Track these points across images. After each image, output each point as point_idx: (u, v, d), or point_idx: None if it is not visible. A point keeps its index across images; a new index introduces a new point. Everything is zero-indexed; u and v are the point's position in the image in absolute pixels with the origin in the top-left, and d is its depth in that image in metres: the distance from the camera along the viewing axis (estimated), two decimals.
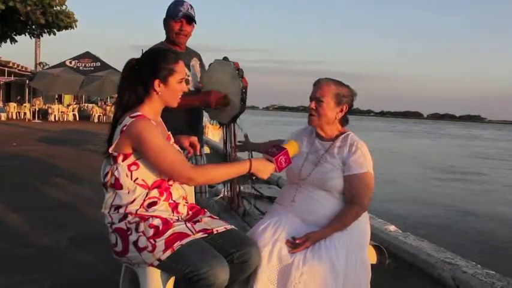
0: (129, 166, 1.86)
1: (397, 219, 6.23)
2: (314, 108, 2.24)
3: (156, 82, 1.92)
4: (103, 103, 28.59)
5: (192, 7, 2.78)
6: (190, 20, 2.77)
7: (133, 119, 1.83)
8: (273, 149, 2.00)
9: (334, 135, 2.29)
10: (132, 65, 1.96)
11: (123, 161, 1.85)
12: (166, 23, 2.80)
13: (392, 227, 4.01)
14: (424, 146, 29.96)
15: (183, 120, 2.68)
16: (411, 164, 17.10)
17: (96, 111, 24.73)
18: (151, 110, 1.96)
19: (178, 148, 2.10)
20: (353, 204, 2.14)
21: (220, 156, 9.24)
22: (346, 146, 2.22)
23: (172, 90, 1.96)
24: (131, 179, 1.86)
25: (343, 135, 2.27)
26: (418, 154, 21.89)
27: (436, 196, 10.28)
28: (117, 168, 1.86)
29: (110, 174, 1.89)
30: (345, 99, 2.24)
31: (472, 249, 5.94)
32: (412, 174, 14.15)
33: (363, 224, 2.21)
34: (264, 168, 1.95)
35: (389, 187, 10.62)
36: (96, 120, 23.96)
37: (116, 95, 1.99)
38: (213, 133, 13.50)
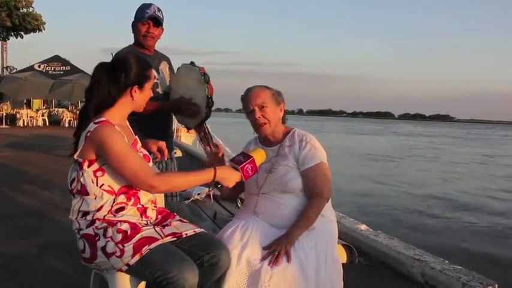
0: (94, 172, 1.84)
1: None
2: (261, 116, 2.21)
3: (135, 88, 1.93)
4: (73, 107, 28.08)
5: (159, 10, 2.77)
6: (157, 22, 2.76)
7: (97, 125, 1.82)
8: (239, 157, 1.99)
9: (281, 136, 2.31)
10: (105, 69, 1.92)
11: (88, 167, 1.83)
12: (134, 25, 2.79)
13: (363, 226, 4.06)
14: (361, 140, 37.35)
15: (152, 125, 2.66)
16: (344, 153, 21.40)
17: (67, 116, 24.21)
18: (119, 114, 1.94)
19: (146, 153, 2.09)
20: (313, 196, 2.14)
21: (193, 159, 9.22)
22: (295, 143, 2.23)
23: (146, 96, 2.00)
24: (97, 185, 1.84)
25: (289, 134, 2.29)
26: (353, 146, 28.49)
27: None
28: (82, 175, 1.84)
29: (76, 181, 1.87)
30: (280, 98, 2.29)
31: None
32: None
33: (330, 222, 2.22)
34: (229, 177, 1.94)
35: None
36: (66, 125, 23.45)
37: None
38: (186, 136, 13.42)
